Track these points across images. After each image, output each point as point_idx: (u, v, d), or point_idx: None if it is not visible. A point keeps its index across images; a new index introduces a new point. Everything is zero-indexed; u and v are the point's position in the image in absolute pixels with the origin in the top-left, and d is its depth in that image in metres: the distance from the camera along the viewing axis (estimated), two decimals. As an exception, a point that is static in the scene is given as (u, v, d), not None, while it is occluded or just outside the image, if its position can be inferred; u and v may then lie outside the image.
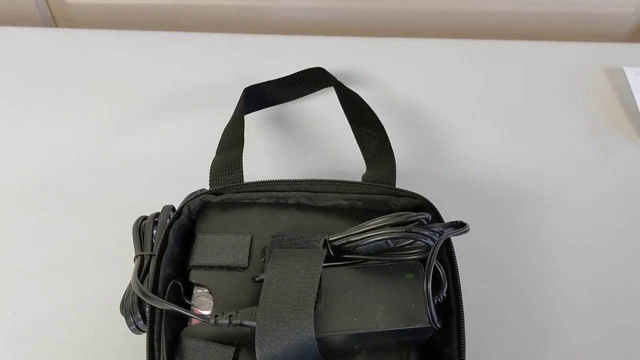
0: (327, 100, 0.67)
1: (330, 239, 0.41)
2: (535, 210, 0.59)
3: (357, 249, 0.41)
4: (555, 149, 0.64)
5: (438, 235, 0.40)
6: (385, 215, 0.41)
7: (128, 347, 0.49)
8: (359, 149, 0.55)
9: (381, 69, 0.71)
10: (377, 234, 0.40)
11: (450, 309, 0.42)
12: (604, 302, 0.53)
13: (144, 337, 0.43)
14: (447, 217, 0.45)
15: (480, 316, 0.48)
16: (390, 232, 0.40)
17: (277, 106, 0.67)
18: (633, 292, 0.54)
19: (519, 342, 0.51)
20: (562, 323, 0.52)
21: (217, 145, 0.54)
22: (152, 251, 0.46)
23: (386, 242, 0.40)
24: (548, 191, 0.60)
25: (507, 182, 0.61)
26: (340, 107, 0.60)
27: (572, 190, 0.61)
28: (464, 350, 0.40)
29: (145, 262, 0.45)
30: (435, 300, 0.40)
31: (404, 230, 0.40)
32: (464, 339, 0.40)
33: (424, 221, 0.41)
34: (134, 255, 0.47)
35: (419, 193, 0.47)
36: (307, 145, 0.64)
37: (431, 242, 0.40)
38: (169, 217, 0.47)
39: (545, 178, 0.61)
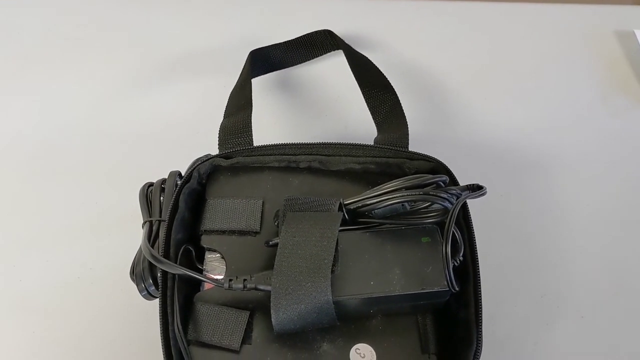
0: (334, 64, 0.65)
1: (345, 202, 0.41)
2: (545, 173, 0.58)
3: (372, 212, 0.40)
4: (564, 113, 0.63)
5: (456, 198, 0.39)
6: (401, 178, 0.40)
7: (135, 314, 0.49)
8: (367, 113, 0.54)
9: (389, 32, 0.70)
10: (394, 197, 0.39)
11: (466, 273, 0.41)
12: (615, 266, 0.53)
13: (152, 303, 0.42)
14: (458, 180, 0.45)
15: (492, 280, 0.48)
16: (408, 195, 0.39)
17: (284, 70, 0.65)
18: (644, 257, 0.54)
19: (530, 305, 0.51)
20: (573, 287, 0.52)
21: (225, 109, 0.52)
22: (160, 217, 0.45)
23: (403, 205, 0.39)
24: (559, 155, 0.60)
25: (516, 146, 0.60)
26: (348, 70, 0.58)
27: (582, 154, 0.60)
28: (481, 314, 0.40)
29: (154, 227, 0.45)
30: (452, 264, 0.39)
31: (421, 192, 0.39)
32: (480, 302, 0.40)
33: (441, 184, 0.41)
34: (140, 222, 0.46)
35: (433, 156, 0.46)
36: (314, 110, 0.62)
37: (449, 205, 0.39)
38: (176, 183, 0.46)
39: (556, 141, 0.61)
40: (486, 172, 0.58)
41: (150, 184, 0.48)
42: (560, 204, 0.57)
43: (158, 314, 0.39)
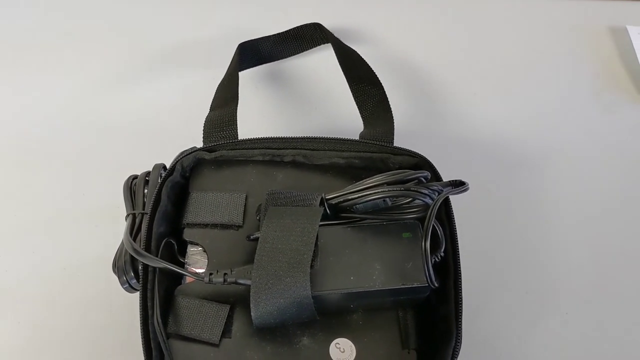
0: (323, 58, 0.65)
1: (327, 197, 0.41)
2: (534, 170, 0.58)
3: (354, 207, 0.40)
4: (556, 108, 0.63)
5: (437, 194, 0.39)
6: (383, 173, 0.40)
7: (119, 305, 0.49)
8: (355, 108, 0.53)
9: (379, 26, 0.69)
10: (375, 192, 0.39)
11: (447, 268, 0.41)
12: (600, 263, 0.53)
13: (136, 295, 0.42)
14: (445, 176, 0.45)
15: (476, 276, 0.48)
16: (389, 190, 0.39)
17: (273, 63, 0.65)
18: (629, 254, 0.54)
19: (515, 302, 0.51)
20: (557, 284, 0.52)
21: (211, 102, 0.52)
22: (143, 210, 0.45)
23: (384, 200, 0.39)
24: (547, 151, 0.60)
25: (505, 141, 0.60)
26: (336, 64, 0.58)
27: (572, 151, 0.60)
28: (461, 310, 0.40)
29: (137, 220, 0.45)
30: (433, 260, 0.40)
31: (402, 188, 0.39)
32: (461, 298, 0.40)
33: (423, 179, 0.41)
34: (125, 214, 0.46)
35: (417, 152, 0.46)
36: (302, 104, 0.62)
37: (430, 201, 0.39)
38: (160, 176, 0.46)
39: (545, 138, 0.61)
40: (474, 168, 0.58)
41: (135, 177, 0.48)
42: (547, 201, 0.56)
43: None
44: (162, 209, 0.43)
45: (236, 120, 0.49)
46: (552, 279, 0.52)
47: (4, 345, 0.48)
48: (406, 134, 0.53)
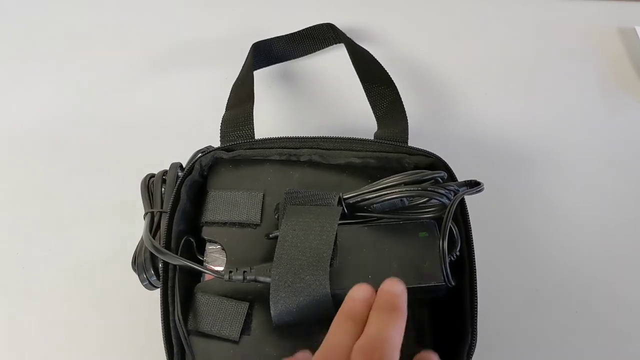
0: (336, 57, 0.65)
1: (344, 197, 0.41)
2: (543, 169, 0.59)
3: (371, 206, 0.41)
4: (565, 108, 0.64)
5: (453, 194, 0.40)
6: (400, 173, 0.41)
7: (138, 302, 0.49)
8: (367, 107, 0.54)
9: (391, 26, 0.70)
10: (393, 192, 0.39)
11: (462, 267, 0.42)
12: (610, 262, 0.54)
13: (152, 292, 0.43)
14: (457, 175, 0.45)
15: (486, 274, 0.48)
16: (406, 190, 0.39)
17: (286, 62, 0.65)
18: (637, 253, 0.54)
19: (525, 299, 0.51)
20: (567, 282, 0.52)
21: (227, 101, 0.53)
22: (162, 208, 0.46)
23: (401, 200, 0.40)
24: (557, 151, 0.60)
25: (515, 141, 0.61)
26: (349, 64, 0.58)
27: (580, 150, 0.60)
28: (477, 308, 0.40)
29: (156, 219, 0.45)
30: (449, 259, 0.40)
31: (420, 188, 0.39)
32: (476, 297, 0.41)
33: (440, 179, 0.41)
34: (141, 211, 0.47)
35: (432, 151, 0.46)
36: (315, 103, 0.63)
37: (447, 201, 0.40)
38: (177, 175, 0.46)
39: (555, 138, 0.61)
40: (484, 167, 0.58)
41: (152, 176, 0.49)
42: (557, 200, 0.57)
43: (159, 304, 0.40)
44: (181, 207, 0.43)
45: (252, 120, 0.49)
46: (562, 277, 0.53)
47: (23, 342, 0.49)
48: (417, 133, 0.53)
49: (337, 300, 0.38)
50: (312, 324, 0.40)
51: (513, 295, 0.52)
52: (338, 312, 0.35)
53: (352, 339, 0.32)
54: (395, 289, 0.35)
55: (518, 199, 0.57)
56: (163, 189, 0.47)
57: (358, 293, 0.35)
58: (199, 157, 0.45)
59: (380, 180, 0.41)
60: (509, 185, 0.58)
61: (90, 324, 0.49)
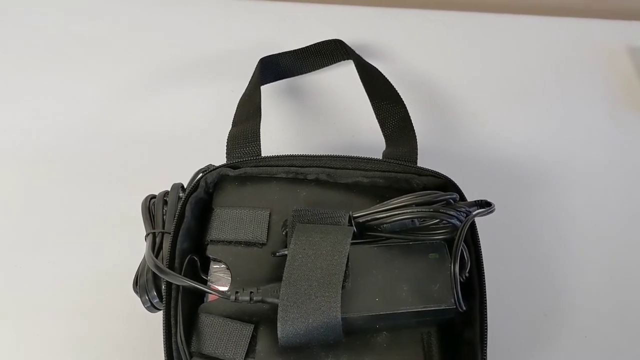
0: (344, 73, 0.65)
1: (354, 215, 0.40)
2: (552, 190, 0.58)
3: (381, 226, 0.40)
4: (574, 127, 0.63)
5: (465, 215, 0.39)
6: (412, 194, 0.40)
7: (138, 317, 0.48)
8: (375, 124, 0.53)
9: (400, 43, 0.69)
10: (404, 212, 0.39)
11: (472, 290, 0.41)
12: (619, 284, 0.53)
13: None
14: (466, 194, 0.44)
15: (495, 297, 0.47)
16: (418, 211, 0.39)
17: (293, 78, 0.65)
18: (649, 275, 0.53)
19: (533, 324, 0.50)
20: (576, 306, 0.52)
21: (233, 117, 0.52)
22: (163, 229, 0.45)
23: (412, 221, 0.39)
24: (565, 171, 0.59)
25: (523, 161, 0.60)
26: (357, 80, 0.58)
27: (589, 171, 0.60)
28: (486, 332, 0.39)
29: (158, 239, 0.44)
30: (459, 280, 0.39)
31: (431, 209, 0.39)
32: (486, 320, 0.40)
33: (452, 201, 0.40)
34: (144, 228, 0.46)
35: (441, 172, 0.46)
36: (322, 119, 0.62)
37: (458, 223, 0.39)
38: (179, 196, 0.45)
39: (563, 158, 0.60)
40: (493, 186, 0.58)
41: (153, 197, 0.48)
42: (566, 221, 0.56)
43: (162, 323, 0.39)
44: (186, 225, 0.42)
45: (259, 136, 0.48)
46: (572, 300, 0.52)
47: (22, 357, 0.48)
48: (426, 151, 0.52)
49: (345, 323, 0.37)
50: (317, 347, 0.39)
51: (521, 319, 0.51)
52: None
53: None
54: None
55: (525, 218, 0.56)
56: (164, 210, 0.46)
57: None
58: (204, 175, 0.44)
59: (391, 200, 0.40)
60: (515, 204, 0.57)
61: (92, 340, 0.48)
